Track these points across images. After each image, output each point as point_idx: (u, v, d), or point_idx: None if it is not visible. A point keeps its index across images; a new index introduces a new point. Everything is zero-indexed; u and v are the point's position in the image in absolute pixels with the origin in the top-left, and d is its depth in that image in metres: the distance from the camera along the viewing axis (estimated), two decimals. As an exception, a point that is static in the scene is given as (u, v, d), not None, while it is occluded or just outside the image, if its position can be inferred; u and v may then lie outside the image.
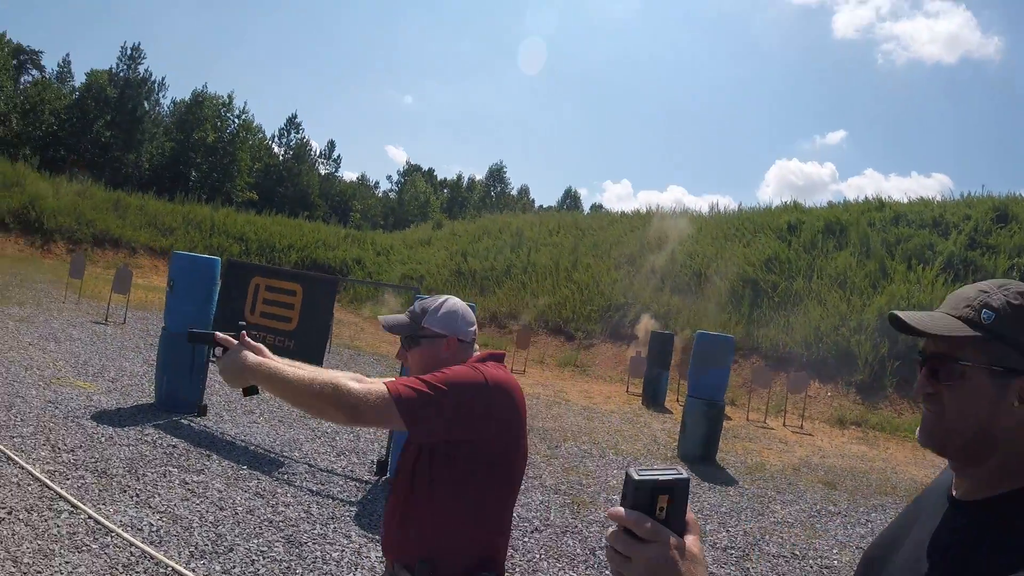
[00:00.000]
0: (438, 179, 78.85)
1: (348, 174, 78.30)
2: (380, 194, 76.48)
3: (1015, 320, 1.07)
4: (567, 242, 29.38)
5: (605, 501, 7.29)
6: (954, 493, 1.14)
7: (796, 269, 21.43)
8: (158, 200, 35.49)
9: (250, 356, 1.98)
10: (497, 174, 78.42)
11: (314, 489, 6.42)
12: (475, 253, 30.16)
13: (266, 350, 2.07)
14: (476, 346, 2.28)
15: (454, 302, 2.25)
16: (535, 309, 23.72)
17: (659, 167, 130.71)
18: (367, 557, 5.06)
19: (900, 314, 1.15)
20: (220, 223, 33.86)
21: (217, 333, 2.07)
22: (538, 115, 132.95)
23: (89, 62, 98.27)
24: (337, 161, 69.68)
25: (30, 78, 56.23)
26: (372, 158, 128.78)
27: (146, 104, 54.17)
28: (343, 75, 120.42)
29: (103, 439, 6.80)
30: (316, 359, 7.21)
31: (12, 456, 5.85)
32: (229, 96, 56.79)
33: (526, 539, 5.87)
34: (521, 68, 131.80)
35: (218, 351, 2.09)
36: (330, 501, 6.17)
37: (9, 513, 4.78)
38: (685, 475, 0.96)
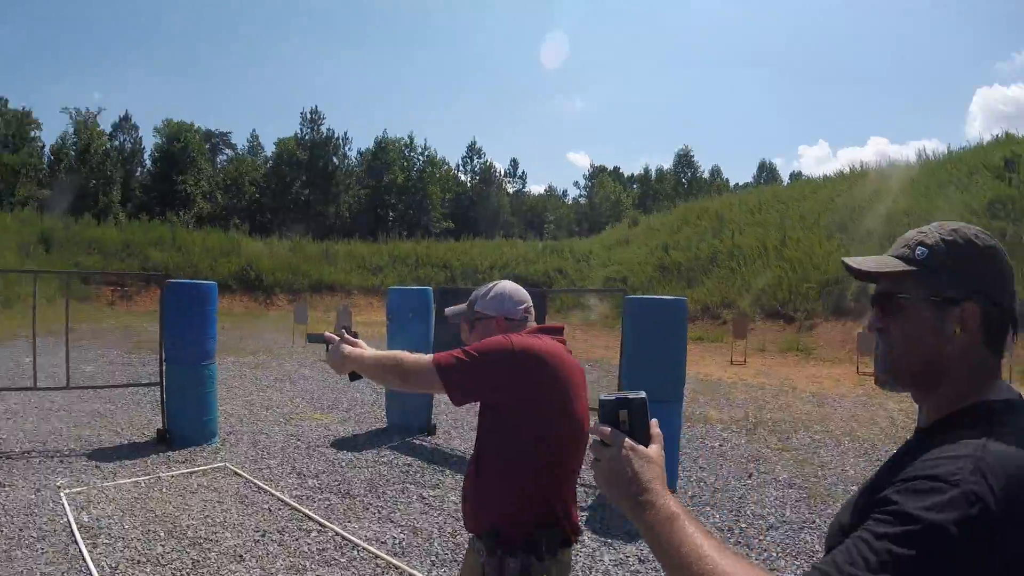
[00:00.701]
0: (625, 176, 77.85)
1: (535, 188, 79.14)
2: (570, 202, 76.49)
3: (948, 255, 1.16)
4: (771, 219, 27.89)
5: (843, 493, 6.80)
6: (918, 423, 1.24)
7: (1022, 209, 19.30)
8: (363, 243, 37.97)
9: (346, 347, 2.32)
10: (685, 159, 75.61)
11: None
12: (676, 244, 29.18)
13: (362, 343, 2.37)
14: (531, 323, 2.47)
15: (503, 285, 2.49)
16: (748, 295, 22.59)
17: (855, 120, 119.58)
18: (600, 560, 5.07)
19: (846, 260, 1.31)
20: (423, 255, 35.61)
21: (326, 332, 2.40)
22: (716, 90, 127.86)
23: (275, 133, 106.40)
24: (523, 178, 70.62)
25: (225, 157, 62.74)
26: (555, 168, 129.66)
27: (335, 159, 57.81)
28: (511, 93, 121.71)
29: (343, 464, 7.36)
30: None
31: (263, 485, 6.45)
32: (410, 137, 60.10)
33: (761, 537, 5.63)
34: (690, 48, 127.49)
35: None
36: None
37: (263, 535, 5.25)
38: (642, 395, 1.19)
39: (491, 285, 2.51)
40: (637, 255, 30.75)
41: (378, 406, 10.12)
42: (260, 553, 4.96)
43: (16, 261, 25.98)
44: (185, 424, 7.96)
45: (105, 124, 55.61)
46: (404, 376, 2.24)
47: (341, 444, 8.24)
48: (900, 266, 1.21)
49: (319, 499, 6.23)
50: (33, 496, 6.10)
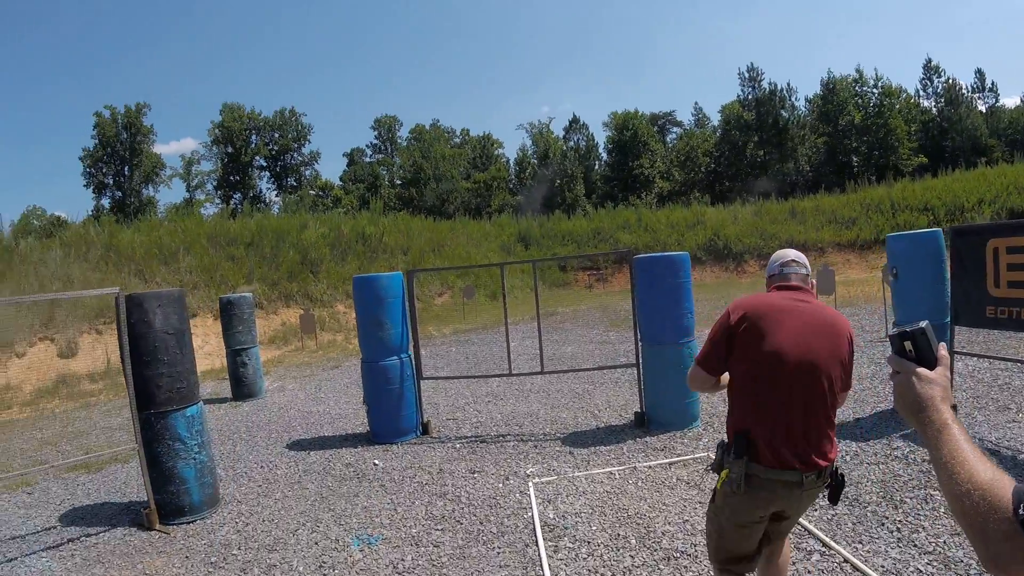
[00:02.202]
0: None
1: (1008, 101, 64.92)
2: None
3: None
4: None
5: None
6: None
7: None
8: (830, 196, 35.01)
9: None
10: None
11: None
12: None
13: None
14: (791, 274, 3.01)
15: (775, 254, 3.15)
16: None
17: None
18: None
19: None
20: (899, 199, 31.65)
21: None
22: None
23: (717, 102, 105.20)
24: (994, 90, 59.23)
25: (674, 135, 64.18)
26: (1007, 66, 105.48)
27: (783, 113, 54.68)
28: None
29: (848, 457, 5.95)
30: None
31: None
32: (858, 71, 54.06)
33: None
34: None
35: None
36: None
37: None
38: (922, 325, 1.45)
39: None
40: None
41: (878, 380, 8.45)
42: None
43: (500, 259, 28.63)
44: (663, 407, 7.30)
45: (557, 129, 60.97)
46: (704, 382, 3.01)
47: (843, 431, 6.63)
48: None
49: (820, 505, 4.91)
50: (501, 485, 5.87)
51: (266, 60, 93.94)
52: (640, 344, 7.64)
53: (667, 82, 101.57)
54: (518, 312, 21.34)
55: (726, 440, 2.87)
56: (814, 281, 3.13)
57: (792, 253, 3.06)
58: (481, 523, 5.13)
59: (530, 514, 5.17)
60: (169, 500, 5.88)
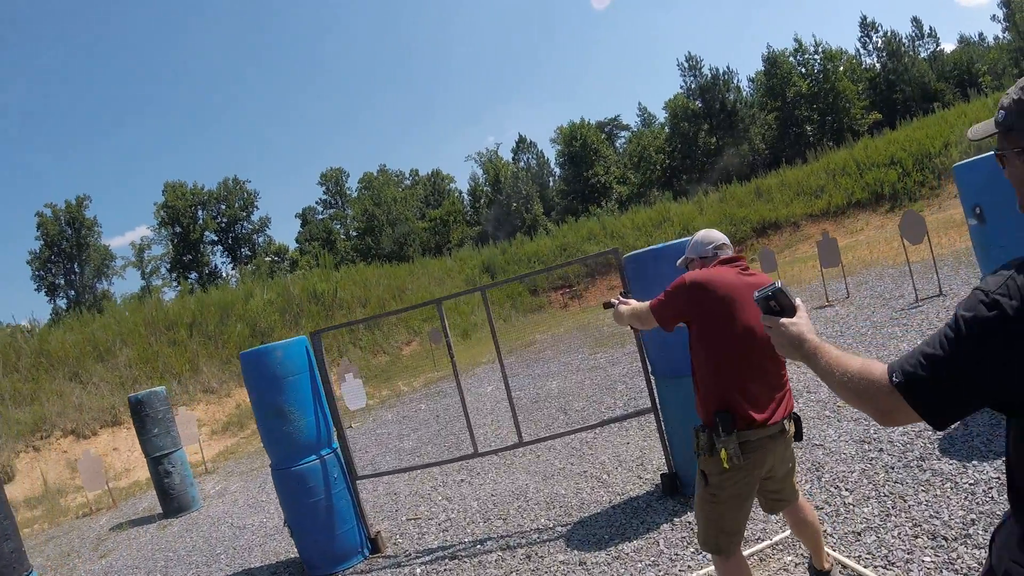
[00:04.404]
0: None
1: (947, 46, 64.32)
2: (991, 44, 62.03)
3: (1017, 111, 1.36)
4: None
5: None
6: None
7: None
8: (793, 168, 33.82)
9: (621, 307, 3.65)
10: None
11: None
12: None
13: (632, 301, 3.64)
14: (723, 255, 3.23)
15: (697, 234, 3.36)
16: None
17: None
18: None
19: (969, 131, 1.55)
20: (862, 158, 30.22)
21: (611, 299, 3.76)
22: None
23: (661, 98, 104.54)
24: (934, 36, 58.49)
25: (623, 139, 63.90)
26: (949, 17, 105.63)
27: (729, 95, 53.56)
28: None
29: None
30: None
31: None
32: (796, 40, 53.17)
33: None
34: None
35: None
36: None
37: None
38: (777, 284, 1.83)
39: (693, 236, 3.41)
40: None
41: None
42: None
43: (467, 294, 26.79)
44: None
45: (506, 154, 60.09)
46: (644, 320, 3.35)
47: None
48: (989, 130, 1.47)
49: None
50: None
51: (204, 131, 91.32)
52: (653, 379, 5.58)
53: (607, 88, 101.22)
54: (483, 351, 19.40)
55: (702, 424, 3.08)
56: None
57: (718, 235, 3.30)
58: None
59: None
60: None
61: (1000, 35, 61.30)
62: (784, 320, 1.75)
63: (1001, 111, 1.40)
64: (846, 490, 4.72)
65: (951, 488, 4.32)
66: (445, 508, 6.79)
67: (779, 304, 1.79)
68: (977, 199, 5.43)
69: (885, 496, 4.48)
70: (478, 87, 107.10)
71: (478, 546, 5.53)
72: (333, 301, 25.41)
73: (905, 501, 4.34)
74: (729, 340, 2.95)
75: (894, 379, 1.39)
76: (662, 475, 5.57)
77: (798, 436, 3.13)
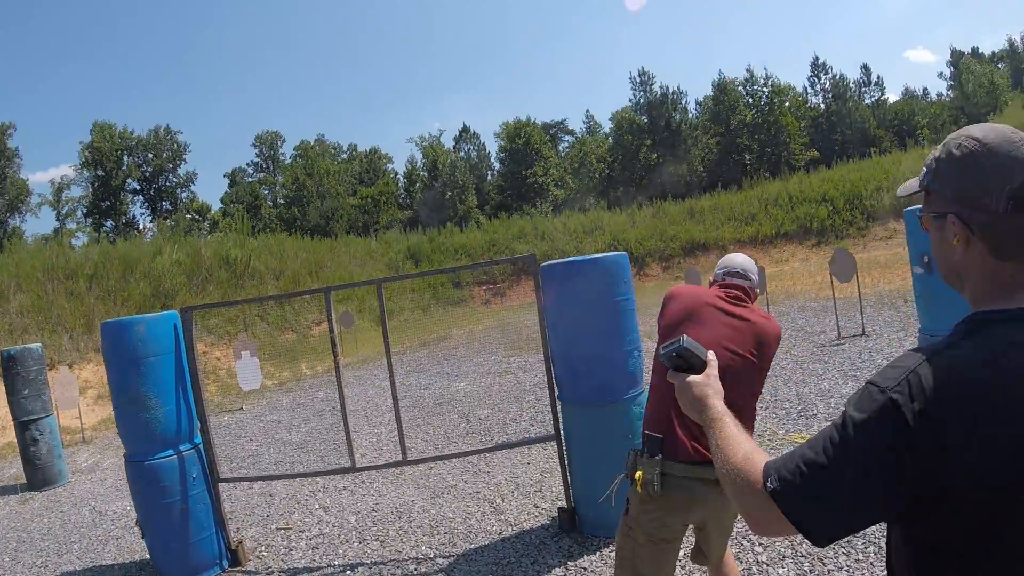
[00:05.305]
0: (986, 56, 64.30)
1: (891, 96, 66.86)
2: (933, 99, 64.75)
3: (936, 172, 1.27)
4: None
5: None
6: None
7: None
8: (727, 193, 34.38)
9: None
10: None
11: None
12: None
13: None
14: (730, 280, 2.94)
15: (722, 260, 3.07)
16: None
17: None
18: None
19: (899, 188, 1.44)
20: (795, 192, 31.08)
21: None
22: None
23: (608, 109, 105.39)
24: (880, 84, 60.42)
25: (566, 144, 63.50)
26: (897, 69, 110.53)
27: (675, 115, 54.00)
28: None
29: None
30: None
31: None
32: (749, 70, 54.10)
33: None
34: None
35: None
36: None
37: None
38: (681, 341, 1.66)
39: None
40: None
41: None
42: None
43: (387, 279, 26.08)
44: (604, 501, 4.69)
45: (448, 141, 59.70)
46: None
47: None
48: (913, 188, 1.36)
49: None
50: None
51: (142, 74, 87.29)
52: (559, 405, 5.00)
53: (558, 92, 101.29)
54: (407, 339, 18.72)
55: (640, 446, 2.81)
56: (758, 291, 2.99)
57: (739, 261, 3.01)
58: None
59: None
60: None
61: (944, 92, 64.15)
62: (691, 378, 1.63)
63: (924, 170, 1.32)
64: (760, 546, 4.32)
65: (874, 552, 4.01)
66: (320, 520, 6.13)
67: (686, 361, 1.67)
68: (926, 247, 5.10)
69: (802, 557, 4.14)
70: (431, 71, 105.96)
71: (348, 572, 4.91)
72: (245, 270, 24.28)
73: (824, 564, 4.00)
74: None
75: (768, 484, 1.23)
76: (560, 509, 5.07)
77: None
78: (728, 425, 1.45)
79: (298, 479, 7.31)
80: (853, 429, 1.14)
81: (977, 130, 1.22)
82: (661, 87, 54.72)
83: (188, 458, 5.06)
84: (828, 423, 1.22)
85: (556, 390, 5.04)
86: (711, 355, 1.68)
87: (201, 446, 5.27)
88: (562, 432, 5.01)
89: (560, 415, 5.01)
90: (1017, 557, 1.10)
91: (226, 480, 5.61)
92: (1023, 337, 1.12)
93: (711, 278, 3.04)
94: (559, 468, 5.21)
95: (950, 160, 1.23)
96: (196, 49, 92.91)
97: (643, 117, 54.22)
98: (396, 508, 6.07)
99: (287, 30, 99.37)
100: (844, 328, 10.89)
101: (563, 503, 5.16)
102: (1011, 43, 64.74)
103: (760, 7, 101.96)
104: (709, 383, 1.60)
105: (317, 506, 6.47)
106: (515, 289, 27.76)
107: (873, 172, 30.54)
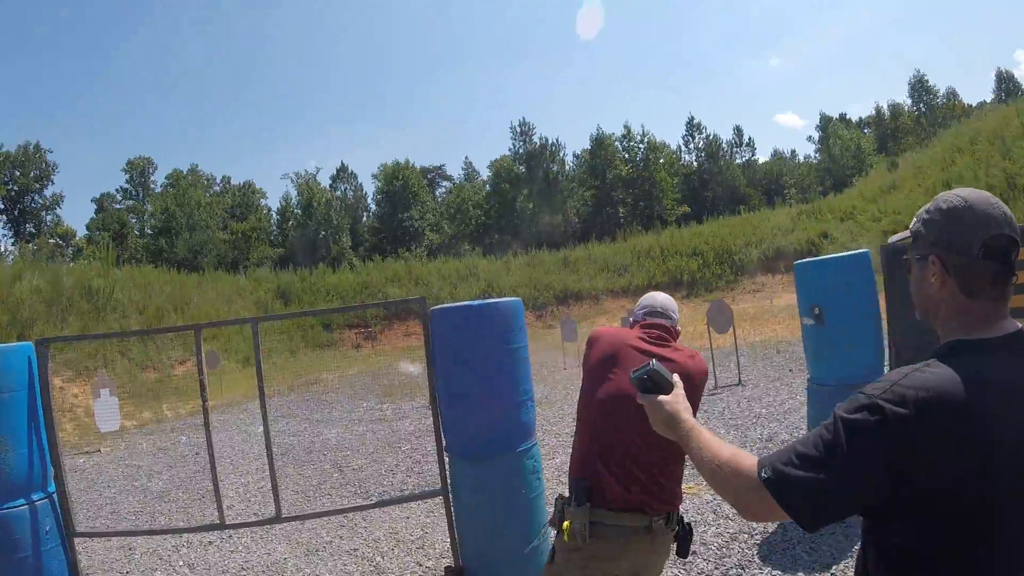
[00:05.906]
0: (853, 121, 69.05)
1: (762, 157, 71.04)
2: (801, 160, 68.94)
3: (924, 222, 1.47)
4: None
5: None
6: None
7: None
8: (601, 244, 35.29)
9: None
10: (920, 86, 65.42)
11: None
12: (958, 178, 21.93)
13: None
14: (650, 319, 2.88)
15: (642, 299, 3.03)
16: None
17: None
18: None
19: (891, 237, 1.80)
20: (668, 245, 32.21)
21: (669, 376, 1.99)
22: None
23: (487, 157, 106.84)
24: (751, 145, 63.78)
25: (444, 189, 64.03)
26: (768, 132, 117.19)
27: (553, 167, 55.25)
28: (701, 55, 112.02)
29: None
30: None
31: None
32: (626, 127, 56.06)
33: None
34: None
35: None
36: None
37: None
38: (650, 365, 1.81)
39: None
40: (912, 200, 23.91)
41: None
42: None
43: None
44: (495, 560, 4.39)
45: (325, 180, 58.48)
46: None
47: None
48: (904, 236, 1.59)
49: None
50: None
51: (13, 84, 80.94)
52: (448, 458, 4.68)
53: (438, 137, 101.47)
54: (276, 382, 17.91)
55: (566, 493, 2.71)
56: (679, 328, 2.95)
57: (660, 300, 2.97)
58: None
59: None
60: None
61: (811, 155, 67.97)
62: (661, 397, 1.77)
63: (915, 219, 1.51)
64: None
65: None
66: (182, 579, 5.56)
67: (655, 383, 1.80)
68: (816, 299, 5.18)
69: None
70: (311, 106, 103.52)
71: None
72: (107, 301, 22.77)
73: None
74: (600, 402, 2.64)
75: (763, 475, 1.37)
76: (447, 568, 4.73)
77: (681, 550, 2.71)
78: (705, 432, 1.60)
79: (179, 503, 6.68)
80: (842, 427, 1.30)
81: (963, 191, 1.43)
82: (540, 138, 56.03)
83: (41, 509, 4.41)
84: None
85: (443, 441, 4.74)
86: (676, 377, 1.83)
87: (55, 495, 4.64)
88: (449, 486, 4.70)
89: (448, 468, 4.70)
90: (986, 561, 1.28)
91: (83, 535, 5.00)
92: (991, 361, 1.33)
93: (631, 318, 2.98)
94: (444, 524, 4.89)
95: (938, 211, 1.44)
96: (73, 61, 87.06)
97: (522, 167, 55.23)
98: (267, 567, 5.56)
99: (168, 51, 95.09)
100: (721, 378, 11.08)
101: (449, 561, 4.83)
102: (878, 110, 68.39)
103: (639, 66, 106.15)
104: (678, 401, 1.75)
105: (181, 563, 5.86)
106: (387, 333, 27.31)
107: (742, 228, 31.74)
